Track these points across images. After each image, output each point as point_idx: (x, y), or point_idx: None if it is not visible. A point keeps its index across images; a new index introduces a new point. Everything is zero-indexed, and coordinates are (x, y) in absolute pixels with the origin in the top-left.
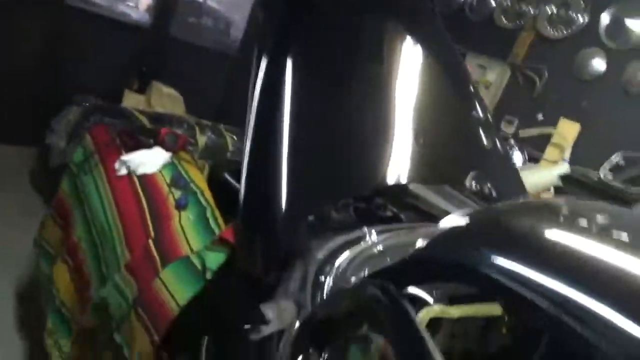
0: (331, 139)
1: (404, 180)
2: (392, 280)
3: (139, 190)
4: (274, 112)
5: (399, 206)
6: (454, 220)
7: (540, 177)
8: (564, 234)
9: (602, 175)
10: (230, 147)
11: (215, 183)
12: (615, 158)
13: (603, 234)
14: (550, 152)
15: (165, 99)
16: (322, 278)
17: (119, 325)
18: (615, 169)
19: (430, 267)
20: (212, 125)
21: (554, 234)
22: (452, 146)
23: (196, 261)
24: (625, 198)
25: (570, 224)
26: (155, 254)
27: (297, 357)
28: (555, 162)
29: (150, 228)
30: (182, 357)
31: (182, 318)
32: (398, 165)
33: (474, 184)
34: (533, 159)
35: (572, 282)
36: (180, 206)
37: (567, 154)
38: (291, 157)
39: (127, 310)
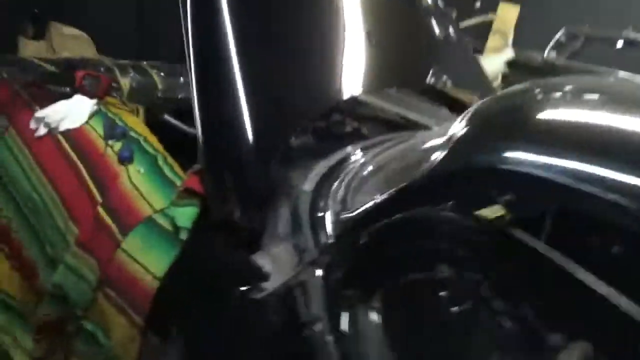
0: (284, 58)
1: (364, 89)
2: (419, 202)
3: (68, 150)
4: (217, 41)
5: (359, 120)
6: (461, 122)
7: (486, 66)
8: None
9: (545, 55)
10: (160, 86)
11: (155, 127)
12: (557, 36)
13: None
14: (493, 40)
15: (70, 41)
16: (321, 213)
17: (85, 311)
18: (558, 47)
19: (460, 175)
20: (134, 64)
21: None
22: (407, 42)
23: (163, 221)
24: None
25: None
26: (109, 221)
27: (339, 314)
28: (499, 50)
29: (95, 192)
30: (175, 335)
31: (164, 291)
32: (356, 74)
33: (433, 80)
34: (477, 50)
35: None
36: (124, 160)
37: (510, 40)
38: (246, 86)
39: (91, 293)
